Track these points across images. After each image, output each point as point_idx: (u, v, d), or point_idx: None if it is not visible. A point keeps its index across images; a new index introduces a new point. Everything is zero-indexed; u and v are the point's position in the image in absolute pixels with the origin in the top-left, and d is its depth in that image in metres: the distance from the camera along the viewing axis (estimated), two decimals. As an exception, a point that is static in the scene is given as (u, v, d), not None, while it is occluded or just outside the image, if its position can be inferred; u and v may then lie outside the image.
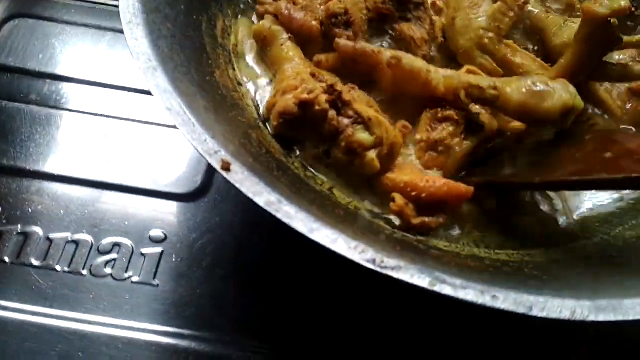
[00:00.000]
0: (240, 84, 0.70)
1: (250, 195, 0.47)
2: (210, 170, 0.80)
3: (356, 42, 0.68)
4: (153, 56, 0.54)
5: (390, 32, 0.71)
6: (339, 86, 0.63)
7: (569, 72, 0.66)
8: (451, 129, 0.65)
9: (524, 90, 0.62)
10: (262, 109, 0.69)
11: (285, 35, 0.71)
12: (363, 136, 0.61)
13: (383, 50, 0.67)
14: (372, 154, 0.61)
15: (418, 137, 0.66)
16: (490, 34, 0.70)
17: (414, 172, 0.64)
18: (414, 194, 0.60)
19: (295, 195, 0.51)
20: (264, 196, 0.47)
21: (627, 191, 0.69)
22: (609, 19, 0.61)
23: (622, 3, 0.61)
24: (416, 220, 0.60)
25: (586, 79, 0.69)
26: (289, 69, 0.68)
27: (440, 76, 0.65)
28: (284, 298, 0.71)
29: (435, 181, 0.61)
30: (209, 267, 0.72)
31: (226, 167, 0.48)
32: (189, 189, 0.78)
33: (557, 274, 0.56)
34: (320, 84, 0.63)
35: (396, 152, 0.64)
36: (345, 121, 0.61)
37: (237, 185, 0.47)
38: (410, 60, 0.65)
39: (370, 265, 0.43)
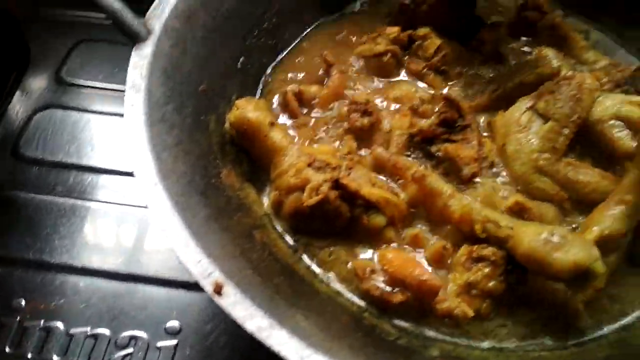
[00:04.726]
0: (247, 180, 0.70)
1: (239, 321, 0.46)
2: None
3: (391, 154, 0.70)
4: (155, 170, 0.55)
5: (437, 153, 0.70)
6: (343, 178, 0.64)
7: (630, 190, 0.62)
8: (487, 270, 0.60)
9: (538, 237, 0.57)
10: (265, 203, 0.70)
11: (267, 121, 0.69)
12: (377, 220, 0.65)
13: (413, 166, 0.68)
14: (388, 230, 0.66)
15: (450, 276, 0.61)
16: (546, 155, 0.67)
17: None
18: (386, 267, 0.62)
19: (294, 307, 0.51)
20: (256, 320, 0.47)
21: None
22: None
23: None
24: (376, 291, 0.61)
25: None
26: (284, 160, 0.68)
27: (461, 203, 0.63)
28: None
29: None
30: (223, 362, 0.72)
31: (218, 291, 0.48)
32: (204, 278, 0.79)
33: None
34: (323, 176, 0.65)
35: (404, 218, 0.67)
36: (358, 210, 0.65)
37: (227, 310, 0.47)
38: (435, 181, 0.66)
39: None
